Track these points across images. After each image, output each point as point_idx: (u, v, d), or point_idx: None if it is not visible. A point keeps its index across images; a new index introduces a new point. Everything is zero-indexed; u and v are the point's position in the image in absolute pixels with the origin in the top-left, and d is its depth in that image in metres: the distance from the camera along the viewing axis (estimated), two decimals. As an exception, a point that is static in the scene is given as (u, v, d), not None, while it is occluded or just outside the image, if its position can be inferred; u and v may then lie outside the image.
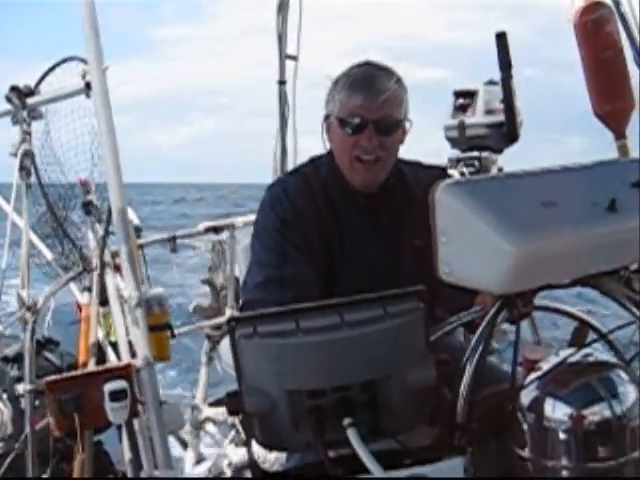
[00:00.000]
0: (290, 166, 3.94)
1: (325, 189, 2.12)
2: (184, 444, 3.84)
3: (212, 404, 3.96)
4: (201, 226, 4.03)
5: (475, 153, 3.90)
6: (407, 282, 1.96)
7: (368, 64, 2.08)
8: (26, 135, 2.69)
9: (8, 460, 2.58)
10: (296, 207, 2.06)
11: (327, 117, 2.11)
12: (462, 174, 3.79)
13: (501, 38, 3.19)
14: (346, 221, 2.10)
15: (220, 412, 3.86)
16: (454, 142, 3.98)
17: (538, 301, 1.59)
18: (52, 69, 2.67)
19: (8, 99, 2.68)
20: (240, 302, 2.40)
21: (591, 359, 1.50)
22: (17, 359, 2.82)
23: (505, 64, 3.25)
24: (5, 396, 2.70)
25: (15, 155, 2.70)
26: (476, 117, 3.84)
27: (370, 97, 1.99)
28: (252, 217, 2.33)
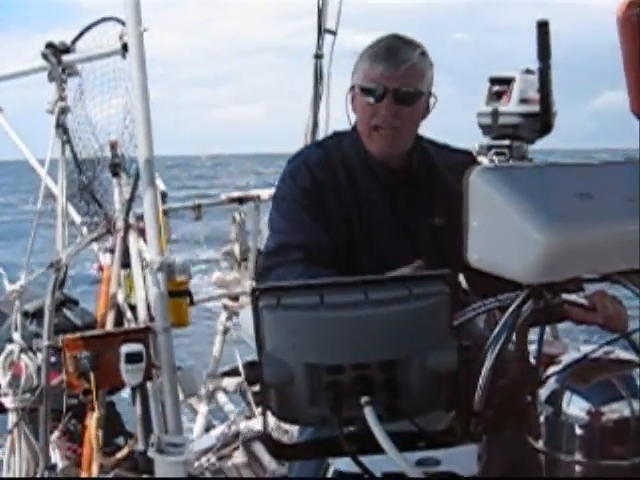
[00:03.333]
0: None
1: (346, 162, 2.13)
2: (194, 411, 3.87)
3: (225, 374, 3.99)
4: (225, 196, 4.04)
5: (506, 142, 3.86)
6: (425, 259, 1.97)
7: (394, 37, 2.09)
8: (62, 92, 2.70)
9: (21, 413, 2.61)
10: (316, 178, 2.08)
11: (352, 88, 2.12)
12: (492, 162, 3.76)
13: (542, 27, 3.15)
14: (365, 195, 2.11)
15: (232, 382, 3.90)
16: (486, 129, 3.94)
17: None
18: (89, 28, 2.67)
19: (44, 56, 2.68)
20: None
21: (613, 356, 1.49)
22: (37, 315, 2.85)
23: (544, 54, 3.21)
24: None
25: (52, 112, 2.71)
26: (510, 105, 3.80)
27: (391, 66, 2.00)
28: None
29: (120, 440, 3.08)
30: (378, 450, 1.25)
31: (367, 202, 2.10)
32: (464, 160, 2.15)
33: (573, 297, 1.65)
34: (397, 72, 1.99)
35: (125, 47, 2.31)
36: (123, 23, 2.33)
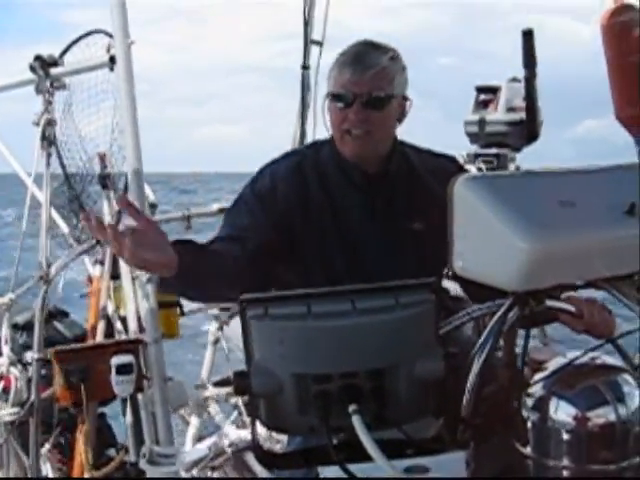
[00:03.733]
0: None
1: (320, 169, 2.12)
2: (186, 422, 3.86)
3: (216, 384, 3.98)
4: (215, 206, 4.04)
5: (493, 150, 3.88)
6: (404, 263, 1.97)
7: (364, 43, 2.10)
8: (48, 105, 2.71)
9: (10, 427, 2.61)
10: (276, 188, 2.07)
11: (327, 96, 2.12)
12: (479, 170, 3.78)
13: (527, 36, 3.18)
14: (340, 201, 2.11)
15: (223, 392, 3.89)
16: (473, 137, 3.96)
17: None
18: (77, 41, 2.68)
19: (32, 68, 2.69)
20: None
21: (599, 362, 1.50)
22: (27, 327, 2.85)
23: (530, 62, 3.24)
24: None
25: (37, 124, 2.72)
26: (497, 114, 3.83)
27: (358, 72, 2.00)
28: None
29: (111, 452, 3.07)
30: (367, 458, 1.26)
31: (342, 207, 2.10)
32: (446, 165, 2.16)
33: (561, 304, 1.67)
34: (364, 77, 2.00)
35: (113, 59, 2.32)
36: (111, 35, 2.34)
